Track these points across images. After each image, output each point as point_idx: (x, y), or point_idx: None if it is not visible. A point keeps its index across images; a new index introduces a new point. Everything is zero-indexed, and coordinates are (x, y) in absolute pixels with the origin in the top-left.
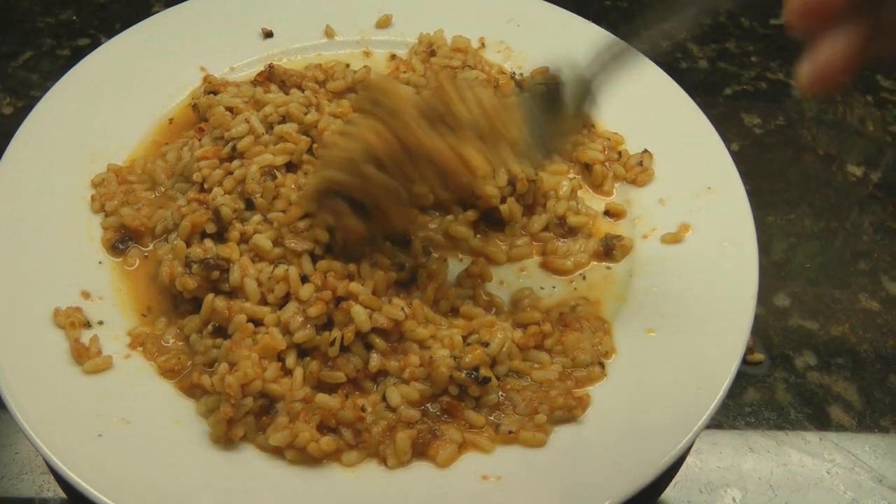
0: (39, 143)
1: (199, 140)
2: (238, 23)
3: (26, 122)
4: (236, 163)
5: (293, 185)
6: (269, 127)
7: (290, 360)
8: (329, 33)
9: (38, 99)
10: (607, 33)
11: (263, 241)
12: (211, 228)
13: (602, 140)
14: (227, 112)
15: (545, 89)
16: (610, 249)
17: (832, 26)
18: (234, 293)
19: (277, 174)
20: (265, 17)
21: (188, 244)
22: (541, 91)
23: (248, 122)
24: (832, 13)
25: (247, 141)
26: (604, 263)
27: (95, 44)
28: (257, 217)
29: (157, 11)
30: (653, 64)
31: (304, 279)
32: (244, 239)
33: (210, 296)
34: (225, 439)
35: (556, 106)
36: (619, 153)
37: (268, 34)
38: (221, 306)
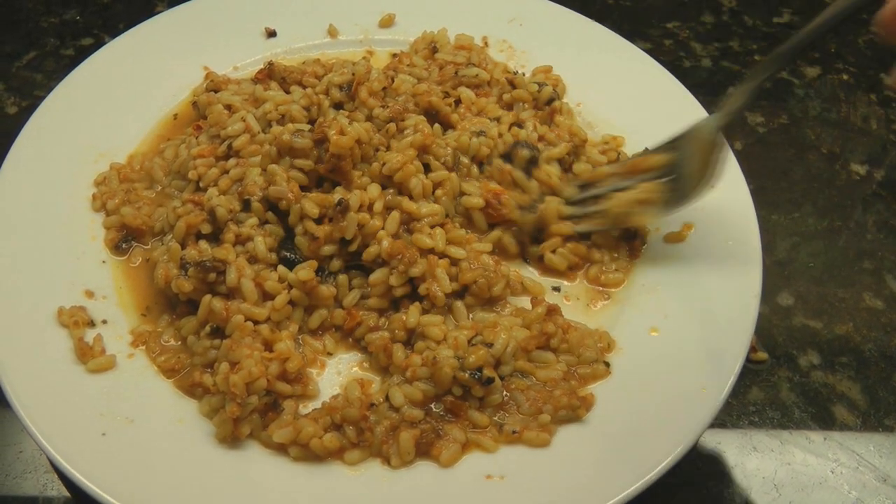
0: (43, 143)
1: (197, 138)
2: (241, 22)
3: (30, 121)
4: (232, 161)
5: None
6: (269, 124)
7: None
8: (332, 33)
9: (41, 99)
10: (612, 32)
11: (260, 246)
12: (206, 229)
13: (601, 144)
14: (225, 110)
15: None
16: (634, 235)
17: None
18: (231, 294)
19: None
20: (268, 16)
21: (183, 245)
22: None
23: (243, 120)
24: None
25: (242, 140)
26: (635, 257)
27: (99, 43)
28: (253, 220)
29: (161, 11)
30: (656, 63)
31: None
32: (240, 240)
33: (207, 297)
34: (231, 438)
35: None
36: (618, 154)
37: (271, 34)
38: (219, 307)
